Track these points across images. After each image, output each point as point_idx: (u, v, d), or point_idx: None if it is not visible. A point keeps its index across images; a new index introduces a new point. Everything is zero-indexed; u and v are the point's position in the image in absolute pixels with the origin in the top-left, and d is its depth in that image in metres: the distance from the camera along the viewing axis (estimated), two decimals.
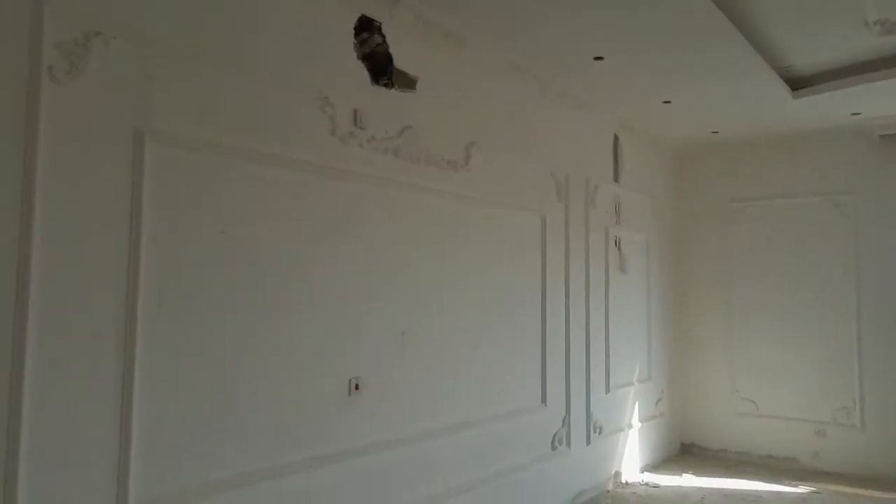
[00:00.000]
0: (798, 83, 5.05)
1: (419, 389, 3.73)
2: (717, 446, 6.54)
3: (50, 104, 2.31)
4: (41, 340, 2.27)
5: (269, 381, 2.98)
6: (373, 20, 3.51)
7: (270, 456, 2.97)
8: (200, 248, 2.76)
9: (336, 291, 3.30)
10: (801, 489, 5.49)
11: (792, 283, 6.20)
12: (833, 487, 5.53)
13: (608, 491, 5.39)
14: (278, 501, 2.99)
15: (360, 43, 3.49)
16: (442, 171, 3.94)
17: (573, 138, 5.18)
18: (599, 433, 5.34)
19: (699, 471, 6.02)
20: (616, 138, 5.77)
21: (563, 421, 4.93)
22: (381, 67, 3.59)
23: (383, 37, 3.59)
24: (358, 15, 3.45)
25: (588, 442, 5.20)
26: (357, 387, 3.38)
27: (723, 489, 5.50)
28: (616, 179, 5.76)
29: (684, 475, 5.89)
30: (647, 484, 5.65)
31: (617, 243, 5.73)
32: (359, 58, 3.47)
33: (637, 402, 5.94)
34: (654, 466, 6.13)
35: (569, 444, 4.96)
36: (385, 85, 3.58)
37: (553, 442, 4.81)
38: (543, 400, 4.73)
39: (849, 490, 5.46)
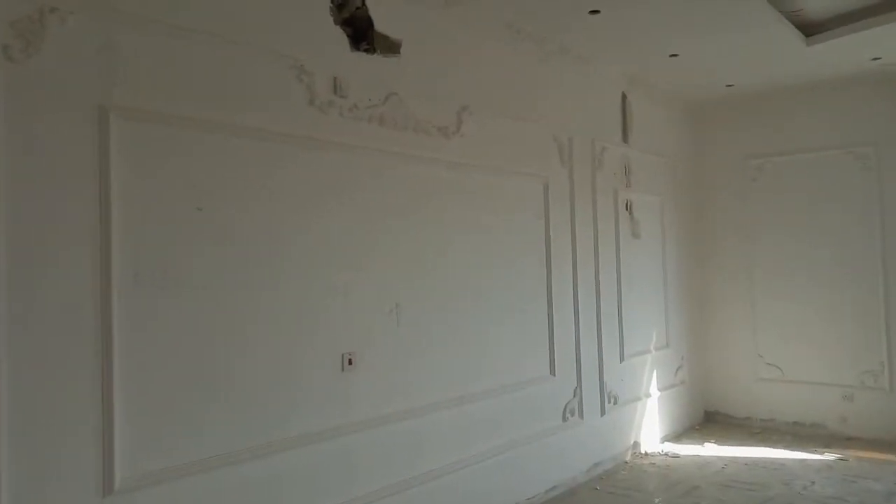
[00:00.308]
0: (812, 29, 4.77)
1: (416, 362, 3.64)
2: (742, 414, 6.35)
3: (7, 84, 2.26)
4: (12, 319, 2.24)
5: (255, 357, 2.92)
6: None
7: (259, 433, 2.92)
8: (177, 223, 2.70)
9: (322, 264, 3.21)
10: (827, 456, 5.30)
11: (814, 242, 5.94)
12: (861, 454, 5.32)
13: (626, 462, 5.26)
14: (269, 480, 2.95)
15: (338, 7, 3.35)
16: (432, 138, 3.80)
17: (576, 99, 4.98)
18: (614, 403, 5.20)
19: (722, 439, 5.85)
20: (624, 97, 5.55)
21: (575, 392, 4.80)
22: (361, 32, 3.45)
23: (363, 0, 3.44)
24: None
25: (602, 413, 5.06)
26: (351, 361, 3.30)
27: (745, 458, 5.33)
28: (625, 140, 5.54)
29: (706, 444, 5.73)
30: (666, 454, 5.51)
31: (628, 207, 5.54)
32: (336, 23, 3.34)
33: (655, 371, 5.78)
34: (675, 436, 5.98)
35: (581, 415, 4.84)
36: (366, 50, 3.45)
37: (564, 413, 4.69)
38: (552, 371, 4.60)
39: (878, 456, 5.25)
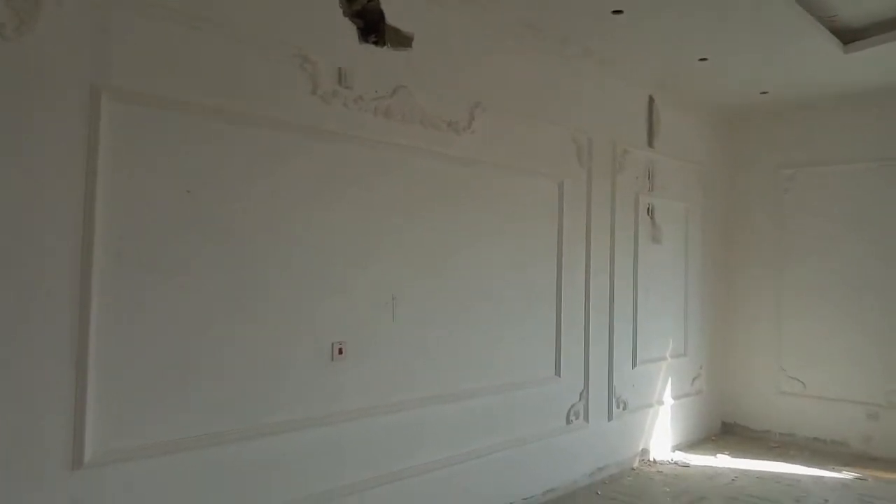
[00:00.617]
0: (849, 36, 4.59)
1: (410, 356, 3.65)
2: (761, 427, 6.19)
3: None
4: None
5: (238, 342, 2.95)
6: None
7: (241, 417, 2.95)
8: (165, 206, 2.74)
9: (316, 254, 3.23)
10: (845, 474, 5.13)
11: (846, 256, 5.74)
12: (881, 474, 5.14)
13: (632, 468, 5.19)
14: (250, 463, 2.98)
15: (349, 0, 3.37)
16: (441, 132, 3.79)
17: (598, 100, 4.91)
18: (624, 408, 5.13)
19: (738, 452, 5.71)
20: (651, 100, 5.44)
21: (581, 395, 4.75)
22: (372, 25, 3.46)
23: None
24: None
25: (610, 417, 5.00)
26: (341, 351, 3.33)
27: (758, 471, 5.20)
28: (650, 144, 5.44)
29: (719, 455, 5.61)
30: (675, 463, 5.41)
31: (650, 212, 5.44)
32: (345, 15, 3.35)
33: (670, 379, 5.67)
34: (689, 445, 5.87)
35: (587, 418, 4.78)
36: (374, 43, 3.46)
37: (568, 415, 4.65)
38: (557, 372, 4.57)
39: None
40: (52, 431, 2.44)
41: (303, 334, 3.19)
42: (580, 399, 4.74)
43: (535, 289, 4.42)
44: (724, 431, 6.37)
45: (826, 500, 4.57)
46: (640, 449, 5.34)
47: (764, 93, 5.71)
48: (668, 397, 5.64)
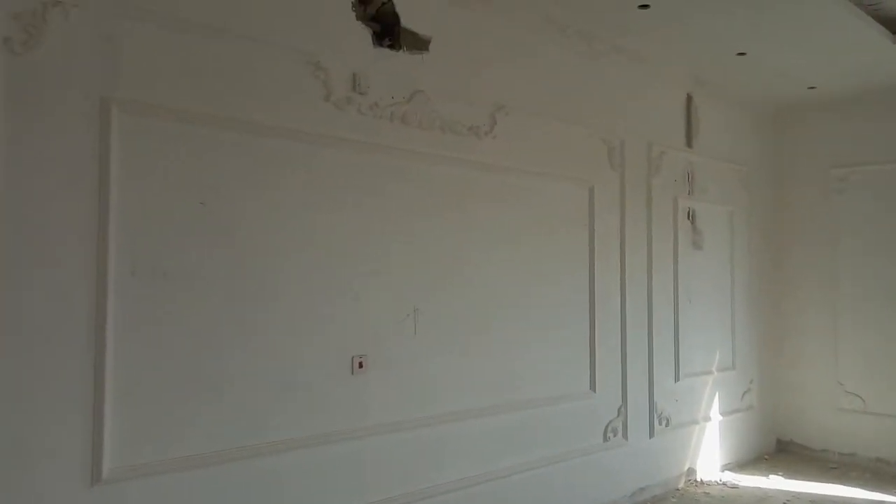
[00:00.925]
0: None
1: (434, 370, 3.51)
2: (819, 446, 5.80)
3: (8, 76, 2.32)
4: (6, 308, 2.28)
5: (255, 355, 2.89)
6: None
7: (259, 432, 2.88)
8: (179, 218, 2.70)
9: (335, 265, 3.14)
10: None
11: None
12: None
13: (677, 489, 4.91)
14: (268, 479, 2.90)
15: (362, 2, 3.29)
16: (461, 137, 3.66)
17: (630, 99, 4.70)
18: (666, 425, 4.86)
19: (792, 472, 5.36)
20: (689, 98, 5.21)
21: (619, 410, 4.51)
22: (387, 28, 3.37)
23: None
24: None
25: (651, 434, 4.74)
26: (361, 365, 3.22)
27: (812, 493, 4.85)
28: (689, 145, 5.19)
29: (771, 476, 5.27)
30: (724, 483, 5.10)
31: (690, 216, 5.19)
32: (359, 18, 3.27)
33: (717, 393, 5.37)
34: (739, 465, 5.53)
35: (626, 435, 4.54)
36: (390, 47, 3.36)
37: (606, 432, 4.42)
38: (592, 387, 4.35)
39: None
40: (69, 445, 2.41)
41: (323, 347, 3.09)
42: (618, 415, 4.51)
43: (565, 299, 4.22)
44: (779, 450, 6.00)
45: None
46: (686, 468, 5.05)
47: (812, 88, 5.41)
48: (715, 413, 5.33)
